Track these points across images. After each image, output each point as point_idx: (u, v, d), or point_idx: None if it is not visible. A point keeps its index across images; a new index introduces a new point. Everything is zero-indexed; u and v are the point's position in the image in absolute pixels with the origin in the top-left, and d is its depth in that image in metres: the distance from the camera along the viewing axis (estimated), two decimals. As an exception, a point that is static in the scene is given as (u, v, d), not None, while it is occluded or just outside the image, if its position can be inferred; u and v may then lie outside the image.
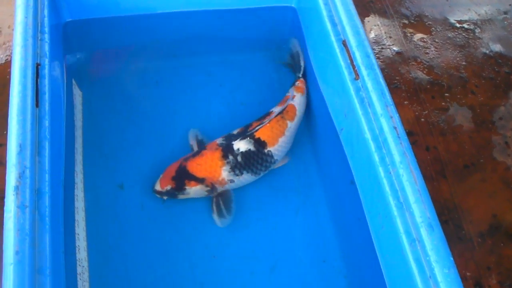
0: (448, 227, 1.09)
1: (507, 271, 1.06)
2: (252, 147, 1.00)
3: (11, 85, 0.83)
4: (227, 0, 1.17)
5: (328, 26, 1.00)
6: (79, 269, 0.91)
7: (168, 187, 0.99)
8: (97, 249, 0.96)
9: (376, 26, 1.42)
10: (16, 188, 0.74)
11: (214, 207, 1.01)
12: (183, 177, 0.99)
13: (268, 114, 1.06)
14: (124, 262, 0.96)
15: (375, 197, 0.87)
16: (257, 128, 1.02)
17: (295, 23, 1.19)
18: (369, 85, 0.90)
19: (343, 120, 0.99)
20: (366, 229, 0.90)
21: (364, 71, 0.92)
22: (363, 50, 0.94)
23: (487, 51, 1.40)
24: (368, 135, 0.88)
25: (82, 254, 0.94)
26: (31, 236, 0.72)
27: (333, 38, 0.99)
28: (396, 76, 1.32)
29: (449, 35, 1.42)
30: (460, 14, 1.48)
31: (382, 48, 1.37)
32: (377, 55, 1.34)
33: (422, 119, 1.25)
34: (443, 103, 1.28)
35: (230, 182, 1.01)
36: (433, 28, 1.43)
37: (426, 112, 1.26)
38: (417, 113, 1.26)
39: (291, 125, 1.05)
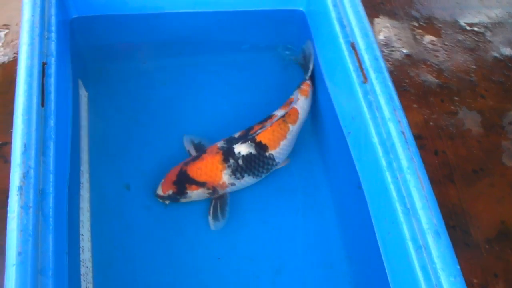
0: (456, 233, 1.08)
1: (515, 278, 1.05)
2: (253, 151, 1.00)
3: (16, 84, 0.83)
4: (236, 2, 1.16)
5: (337, 28, 0.99)
6: (82, 270, 0.91)
7: (170, 192, 0.99)
8: (101, 250, 0.96)
9: (385, 28, 1.41)
10: (20, 188, 0.73)
11: (211, 210, 1.00)
12: (184, 181, 0.98)
13: (270, 117, 1.05)
14: (129, 264, 0.96)
15: (382, 202, 0.86)
16: (258, 131, 1.01)
17: (304, 26, 1.18)
18: (378, 88, 0.89)
19: (350, 124, 0.98)
20: (372, 234, 0.90)
21: (372, 74, 0.91)
22: (372, 53, 0.93)
23: (497, 55, 1.39)
24: (375, 139, 0.87)
25: (86, 255, 0.93)
26: (34, 237, 0.71)
27: (341, 41, 0.98)
28: (405, 79, 1.31)
29: (459, 38, 1.41)
30: (470, 17, 1.47)
31: (392, 51, 1.36)
32: (386, 58, 1.33)
33: (431, 123, 1.24)
34: (452, 107, 1.27)
35: (231, 185, 1.01)
36: (443, 31, 1.42)
37: (435, 115, 1.25)
38: (426, 116, 1.25)
39: (293, 128, 1.05)
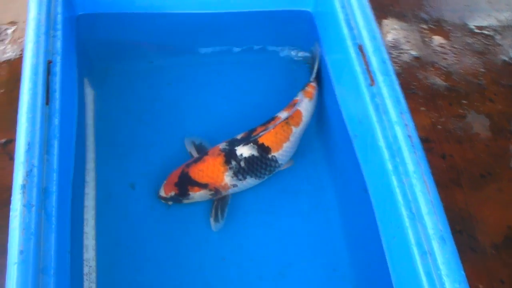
0: (462, 237, 1.07)
1: (521, 285, 1.04)
2: (255, 153, 0.99)
3: (21, 82, 0.82)
4: (244, 3, 1.16)
5: (345, 30, 0.99)
6: (86, 269, 0.91)
7: (172, 193, 0.98)
8: (105, 248, 0.96)
9: (394, 30, 1.40)
10: (23, 186, 0.73)
11: (213, 211, 1.00)
12: (186, 183, 0.98)
13: (274, 119, 1.04)
14: (132, 263, 0.95)
15: (388, 206, 0.86)
16: (261, 133, 1.00)
17: (312, 27, 1.18)
18: (385, 91, 0.89)
19: (357, 126, 0.97)
20: (377, 238, 0.89)
21: (379, 77, 0.90)
22: (380, 55, 0.92)
23: (507, 58, 1.38)
24: (382, 142, 0.87)
25: (90, 253, 0.93)
26: (36, 235, 0.71)
27: (349, 43, 0.97)
28: (414, 81, 1.30)
29: (468, 41, 1.40)
30: (480, 20, 1.46)
31: (400, 53, 1.35)
32: (394, 60, 1.32)
33: (439, 126, 1.23)
34: (460, 110, 1.27)
35: (234, 187, 1.00)
36: (452, 34, 1.41)
37: (443, 119, 1.24)
38: (433, 119, 1.24)
39: (296, 131, 1.04)
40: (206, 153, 1.01)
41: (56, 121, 0.82)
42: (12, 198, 0.72)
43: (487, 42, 1.40)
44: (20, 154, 0.76)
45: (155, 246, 0.97)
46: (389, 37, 1.38)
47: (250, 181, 1.00)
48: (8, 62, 1.22)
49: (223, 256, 0.98)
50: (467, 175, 1.16)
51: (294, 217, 1.03)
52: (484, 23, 1.45)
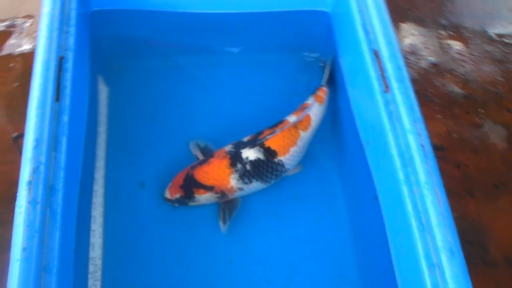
0: (473, 249, 1.06)
1: (533, 300, 1.02)
2: (261, 156, 0.98)
3: (32, 77, 0.82)
4: (261, 3, 1.15)
5: (361, 34, 0.97)
6: (91, 268, 0.91)
7: (178, 195, 0.98)
8: (112, 247, 0.96)
9: (412, 35, 1.38)
10: (29, 183, 0.73)
11: (221, 214, 1.00)
12: (191, 185, 0.98)
13: (281, 122, 1.03)
14: (139, 263, 0.95)
15: (397, 215, 0.84)
16: (268, 137, 0.99)
17: (328, 28, 1.17)
18: (399, 98, 0.87)
19: (370, 132, 0.96)
20: (386, 247, 0.88)
21: (394, 84, 0.89)
22: (395, 62, 0.91)
23: (526, 68, 1.36)
24: (394, 150, 0.86)
25: (96, 252, 0.93)
26: (41, 233, 0.71)
27: (365, 47, 0.96)
28: (430, 88, 1.28)
29: (487, 48, 1.38)
30: (500, 27, 1.43)
31: (418, 59, 1.33)
32: (411, 66, 1.31)
33: (454, 135, 1.21)
34: (477, 119, 1.25)
35: (240, 190, 0.99)
36: (471, 41, 1.39)
37: (459, 127, 1.22)
38: (449, 127, 1.22)
39: (304, 135, 1.03)
40: (212, 155, 1.01)
41: (65, 118, 0.82)
42: (18, 194, 0.72)
43: (506, 50, 1.38)
44: (28, 151, 0.75)
45: (162, 246, 0.97)
46: (407, 42, 1.36)
47: (256, 185, 1.00)
48: (23, 55, 1.22)
49: (231, 259, 0.98)
50: (481, 186, 1.14)
51: (303, 222, 1.02)
52: (505, 31, 1.43)
